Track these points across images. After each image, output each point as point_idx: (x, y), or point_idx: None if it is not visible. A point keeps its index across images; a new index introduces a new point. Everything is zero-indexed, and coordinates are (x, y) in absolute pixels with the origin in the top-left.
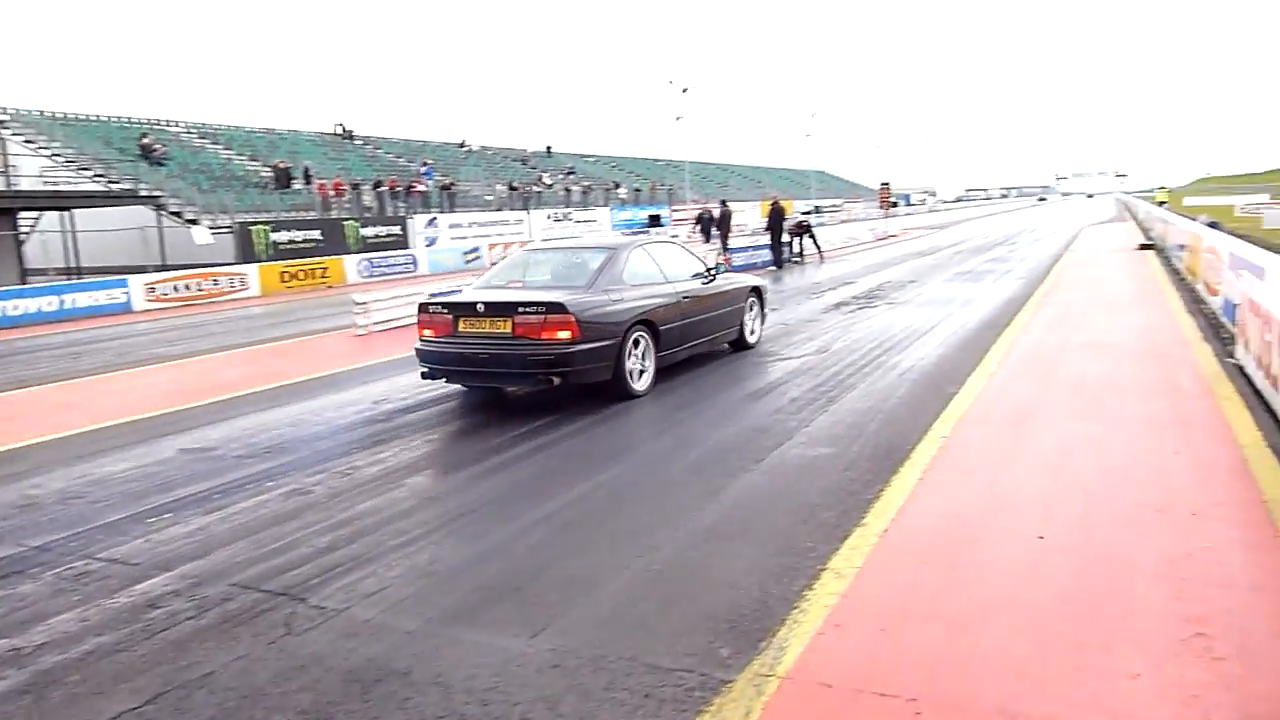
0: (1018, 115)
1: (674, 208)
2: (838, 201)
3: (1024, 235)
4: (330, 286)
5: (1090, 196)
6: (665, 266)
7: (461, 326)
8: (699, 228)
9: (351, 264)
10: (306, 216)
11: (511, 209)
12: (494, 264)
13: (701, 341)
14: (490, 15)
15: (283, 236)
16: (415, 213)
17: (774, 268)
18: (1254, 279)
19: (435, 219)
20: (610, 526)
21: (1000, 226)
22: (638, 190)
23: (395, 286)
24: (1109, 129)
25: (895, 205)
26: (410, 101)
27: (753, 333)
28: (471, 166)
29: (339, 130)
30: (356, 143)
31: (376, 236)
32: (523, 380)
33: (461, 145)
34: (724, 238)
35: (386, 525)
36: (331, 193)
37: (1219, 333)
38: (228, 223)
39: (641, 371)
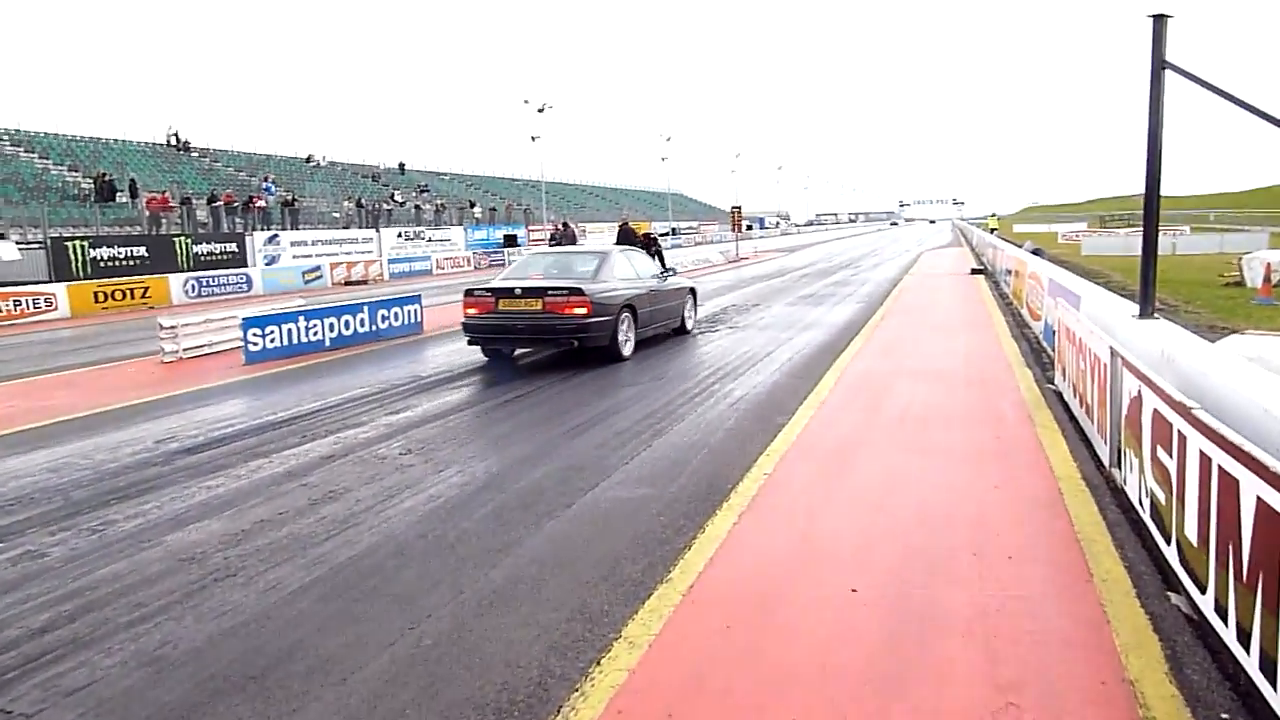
0: (867, 145)
1: (530, 228)
2: (694, 224)
3: (868, 259)
4: (152, 307)
5: (933, 222)
6: (637, 268)
7: (501, 305)
8: (553, 245)
9: (178, 283)
10: (132, 232)
11: (360, 227)
12: (511, 263)
13: (659, 325)
14: (347, 27)
15: (104, 253)
16: (255, 229)
17: None
18: (1069, 307)
19: (277, 236)
20: (384, 590)
21: (848, 250)
22: (493, 210)
23: (223, 308)
24: (949, 159)
25: (750, 228)
26: (254, 112)
27: (690, 319)
28: (319, 182)
29: (172, 140)
30: (192, 154)
31: (211, 254)
32: (551, 344)
33: (309, 160)
34: None
35: (124, 596)
36: (160, 207)
37: (1040, 357)
38: (39, 237)
39: (626, 341)
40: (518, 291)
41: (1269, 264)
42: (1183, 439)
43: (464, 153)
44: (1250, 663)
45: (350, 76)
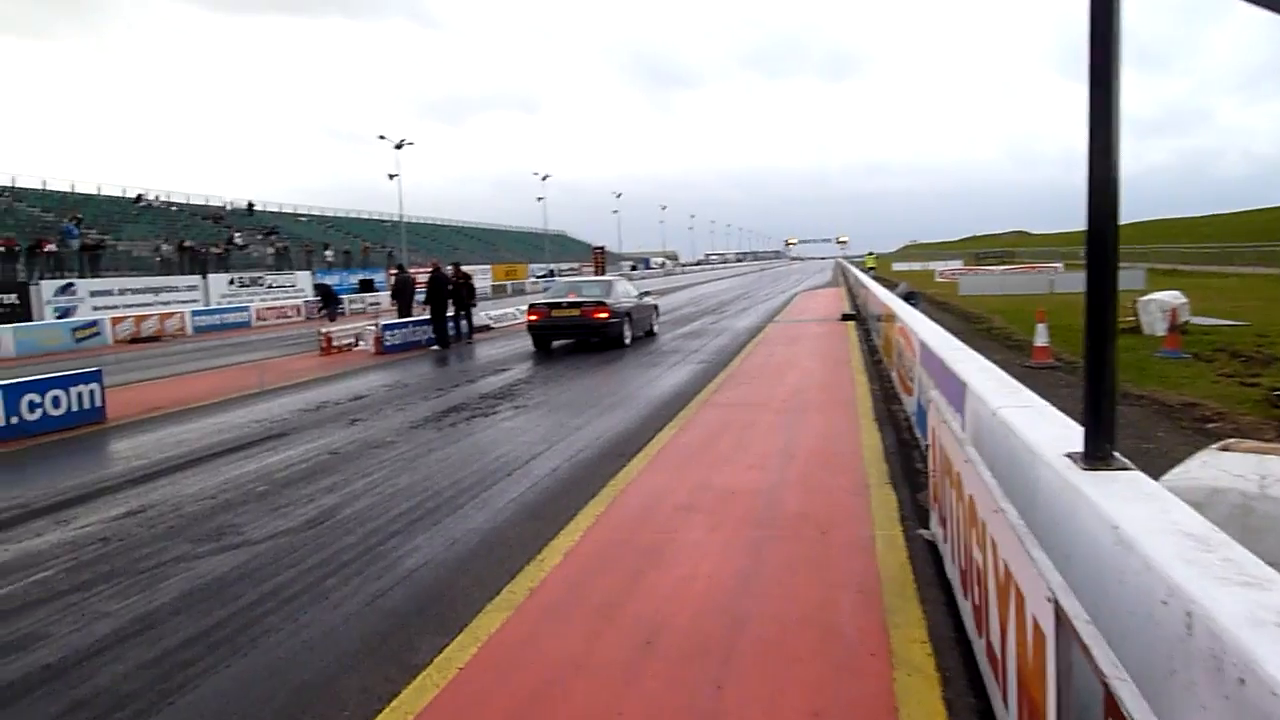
0: (754, 186)
1: (391, 271)
2: (575, 264)
3: (739, 302)
4: None
5: (824, 260)
6: (629, 290)
7: (553, 313)
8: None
9: None
10: None
11: (186, 272)
12: (546, 288)
13: (639, 328)
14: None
15: None
16: (45, 277)
17: (435, 347)
18: (946, 409)
19: (72, 285)
20: None
21: (722, 291)
22: (347, 252)
23: None
24: (833, 200)
25: (634, 268)
26: (79, 146)
27: (655, 325)
28: (145, 225)
29: None
30: None
31: None
32: (585, 336)
33: (138, 200)
34: (402, 307)
35: None
36: None
37: (911, 462)
38: None
39: (629, 336)
40: (565, 304)
41: (1174, 310)
42: None
43: (324, 192)
44: None
45: (204, 111)
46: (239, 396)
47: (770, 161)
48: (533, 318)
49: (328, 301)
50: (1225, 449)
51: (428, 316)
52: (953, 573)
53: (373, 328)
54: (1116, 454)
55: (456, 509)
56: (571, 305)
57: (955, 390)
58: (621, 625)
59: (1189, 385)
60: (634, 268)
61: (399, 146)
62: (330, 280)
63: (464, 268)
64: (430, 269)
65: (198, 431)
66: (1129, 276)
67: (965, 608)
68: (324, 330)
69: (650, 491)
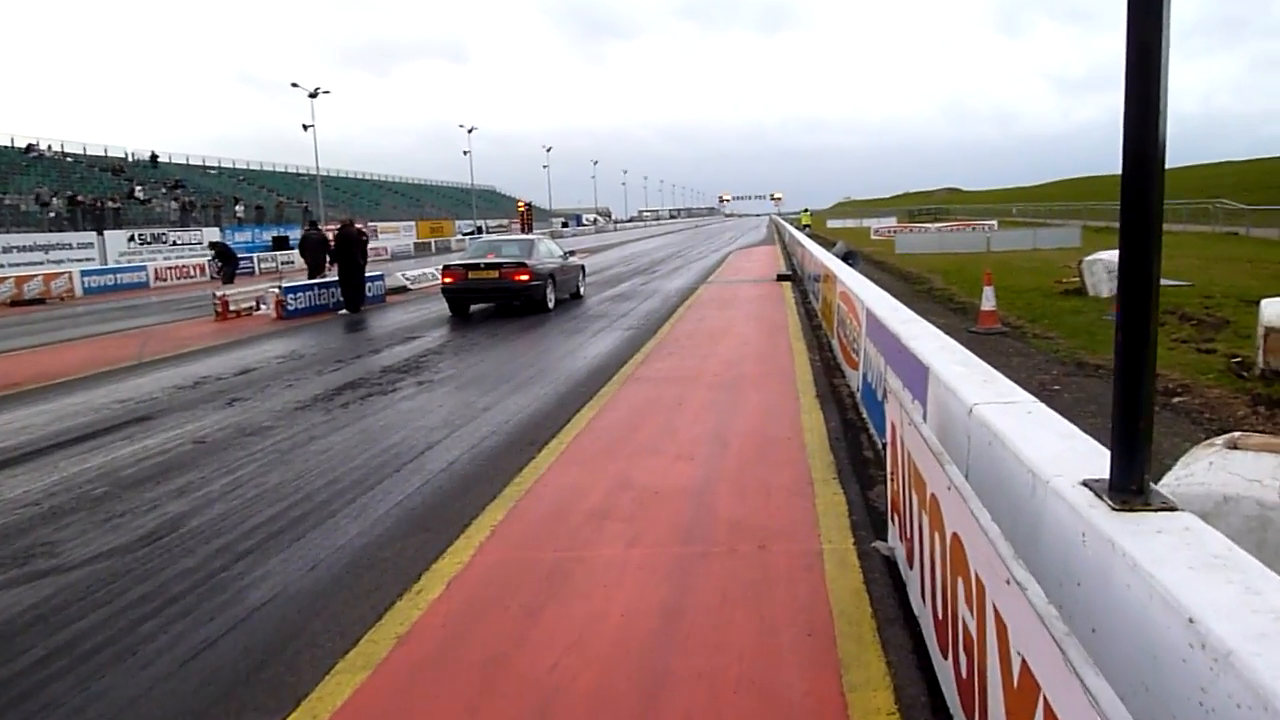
0: (688, 142)
1: (306, 228)
2: (504, 221)
3: (671, 260)
4: None
5: (759, 217)
6: (553, 250)
7: (470, 275)
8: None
9: None
10: None
11: (81, 229)
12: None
13: (564, 291)
14: None
15: None
16: None
17: (345, 311)
18: (906, 400)
19: None
20: None
21: (656, 249)
22: (259, 208)
23: None
24: (767, 156)
25: (565, 225)
26: None
27: (581, 288)
28: (35, 177)
29: None
30: None
31: None
32: (505, 300)
33: (29, 150)
34: (311, 266)
35: None
36: None
37: (859, 450)
38: None
39: (552, 299)
40: (482, 265)
41: None
42: None
43: (237, 143)
44: None
45: (105, 54)
46: (111, 370)
47: (706, 117)
48: (447, 280)
49: (225, 261)
50: (1234, 446)
51: (335, 277)
52: (922, 613)
53: (275, 290)
54: (1155, 486)
55: (327, 517)
56: (490, 267)
57: (913, 373)
58: (507, 691)
59: None
60: (564, 224)
61: (314, 95)
62: (242, 237)
63: (380, 224)
64: (340, 225)
65: (50, 414)
66: (1065, 234)
67: (945, 673)
68: (219, 293)
69: (560, 492)
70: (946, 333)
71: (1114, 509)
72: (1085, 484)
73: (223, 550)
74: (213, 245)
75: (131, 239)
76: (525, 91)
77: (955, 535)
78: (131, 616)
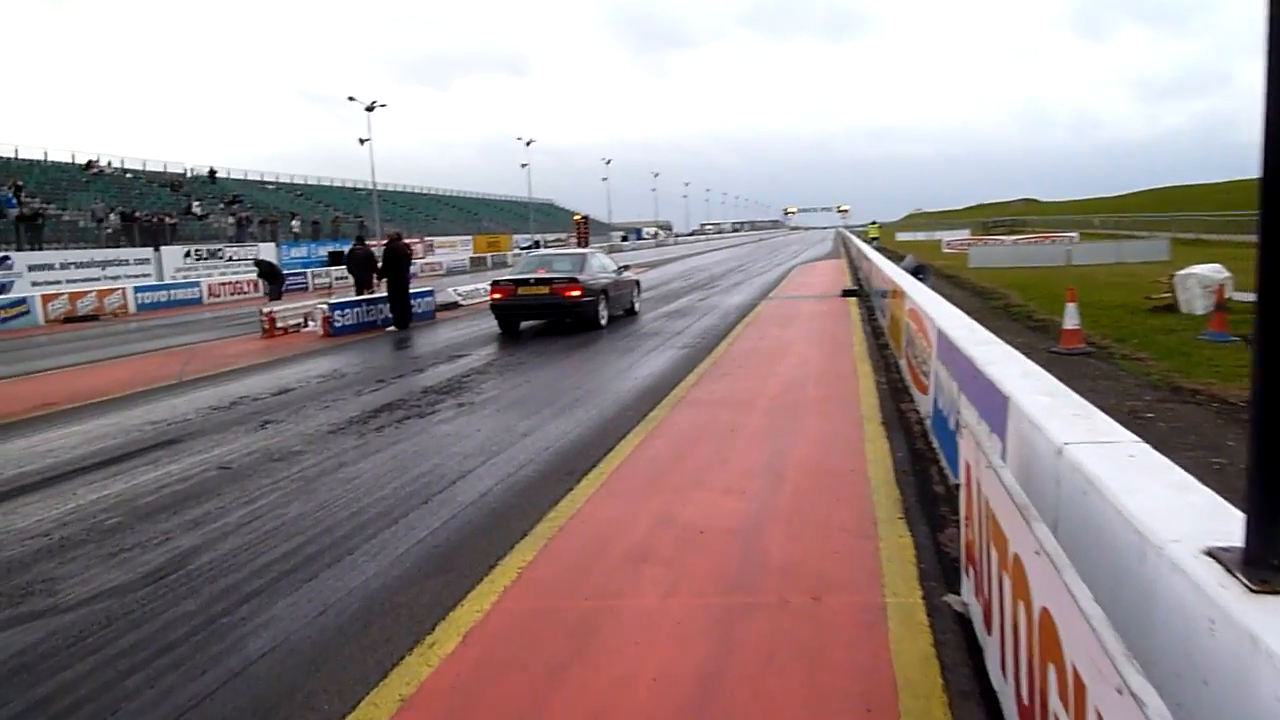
0: (753, 154)
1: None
2: (563, 235)
3: (731, 275)
4: None
5: (825, 230)
6: (607, 264)
7: (520, 291)
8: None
9: None
10: None
11: (138, 245)
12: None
13: (617, 307)
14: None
15: None
16: None
17: (394, 328)
18: (985, 438)
19: (9, 258)
20: None
21: (716, 263)
22: (315, 223)
23: None
24: (834, 168)
25: (625, 239)
26: (17, 110)
27: (636, 304)
28: (94, 193)
29: None
30: None
31: None
32: (556, 317)
33: (89, 166)
34: (359, 282)
35: None
36: None
37: (928, 484)
38: None
39: (605, 316)
40: (533, 281)
41: (1220, 287)
42: None
43: (295, 158)
44: None
45: (166, 72)
46: (150, 389)
47: (769, 127)
48: (496, 296)
49: (270, 279)
50: None
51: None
52: (1003, 690)
53: (322, 307)
54: None
55: (344, 555)
56: (540, 282)
57: (991, 402)
58: None
59: (1246, 376)
60: (624, 238)
61: (370, 109)
62: (298, 253)
63: (436, 239)
64: (387, 240)
65: (79, 437)
66: (1152, 247)
67: (1005, 689)
68: (266, 310)
69: (597, 529)
70: (1024, 353)
71: (1251, 590)
72: (1210, 554)
73: (228, 591)
74: (258, 264)
75: (187, 254)
76: (585, 103)
77: (1045, 611)
78: (120, 667)
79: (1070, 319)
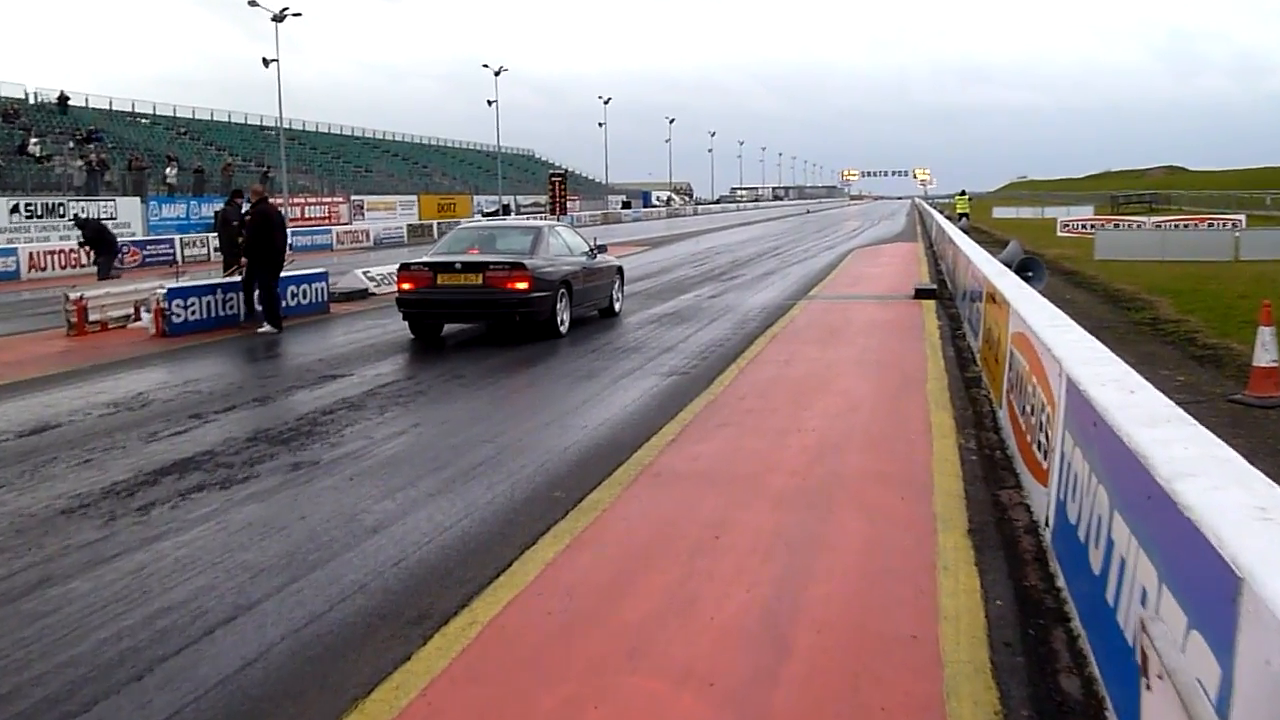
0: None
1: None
2: (540, 199)
3: (762, 261)
4: None
5: (898, 200)
6: (571, 244)
7: (440, 281)
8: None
9: None
10: None
11: None
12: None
13: (586, 305)
14: None
15: None
16: None
17: (266, 328)
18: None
19: None
20: None
21: (742, 242)
22: (199, 171)
23: None
24: (911, 118)
25: (626, 207)
26: None
27: (618, 301)
28: None
29: None
30: None
31: None
32: (492, 318)
33: None
34: (227, 257)
35: None
36: None
37: (1052, 667)
38: None
39: (566, 320)
40: (458, 266)
41: None
42: None
43: (193, 84)
44: None
45: None
46: None
47: (827, 62)
48: (405, 287)
49: (97, 247)
50: None
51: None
52: None
53: (160, 293)
54: None
55: None
56: (470, 268)
57: (1195, 564)
58: None
59: None
60: (626, 205)
61: (279, 19)
62: (173, 211)
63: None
64: (251, 199)
65: None
66: None
67: None
68: (74, 295)
69: None
70: (1192, 399)
71: None
72: None
73: None
74: (81, 224)
75: (15, 210)
76: (581, 22)
77: None
78: None
79: (1265, 351)
